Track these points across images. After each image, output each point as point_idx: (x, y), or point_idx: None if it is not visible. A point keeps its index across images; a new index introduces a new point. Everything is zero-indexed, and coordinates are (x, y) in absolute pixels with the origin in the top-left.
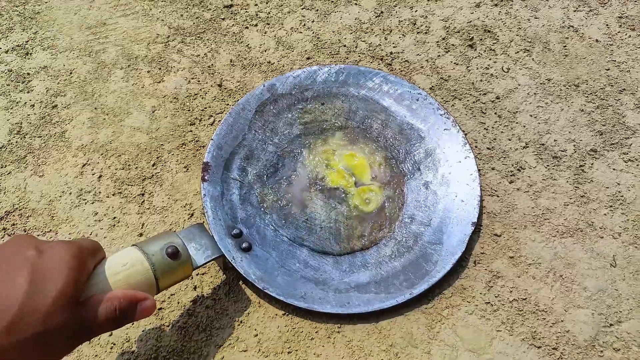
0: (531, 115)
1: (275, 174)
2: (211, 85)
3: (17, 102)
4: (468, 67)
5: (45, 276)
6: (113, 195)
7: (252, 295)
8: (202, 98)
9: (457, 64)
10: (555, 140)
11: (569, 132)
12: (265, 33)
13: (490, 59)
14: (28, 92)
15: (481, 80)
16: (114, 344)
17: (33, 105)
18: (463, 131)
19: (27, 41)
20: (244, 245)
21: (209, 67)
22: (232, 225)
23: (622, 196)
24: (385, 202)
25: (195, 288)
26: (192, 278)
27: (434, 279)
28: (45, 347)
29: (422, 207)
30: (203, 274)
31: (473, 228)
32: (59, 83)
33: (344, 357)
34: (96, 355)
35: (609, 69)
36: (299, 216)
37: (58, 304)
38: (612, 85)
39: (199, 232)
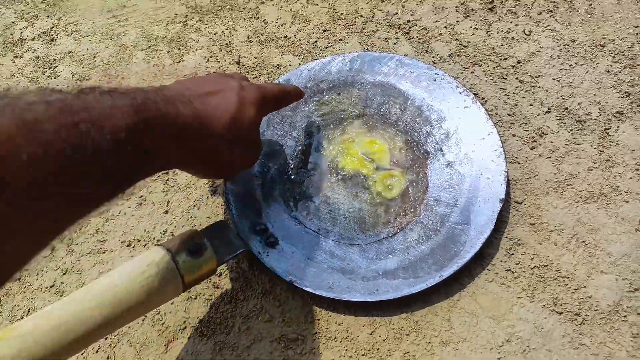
0: (554, 79)
1: (296, 167)
2: (229, 63)
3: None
4: (488, 31)
5: (246, 97)
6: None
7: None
8: None
9: (476, 29)
10: (579, 104)
11: (594, 94)
12: (281, 7)
13: (511, 22)
14: (55, 78)
15: (502, 45)
16: (145, 316)
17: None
18: (483, 98)
19: (52, 27)
20: (269, 240)
21: (226, 44)
22: (257, 221)
23: None
24: (409, 187)
25: None
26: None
27: (464, 259)
28: (249, 144)
29: (447, 188)
30: None
31: (501, 205)
32: (83, 67)
33: (364, 325)
34: (129, 327)
35: (637, 26)
36: (322, 207)
37: (252, 125)
38: None
39: (222, 228)
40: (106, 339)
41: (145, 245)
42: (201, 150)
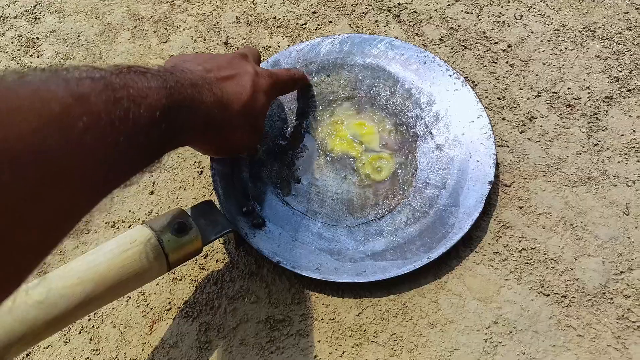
0: (544, 64)
1: (284, 149)
2: (217, 44)
3: (27, 67)
4: (479, 15)
5: (260, 85)
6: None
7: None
8: None
9: (467, 13)
10: (569, 88)
11: (584, 79)
12: None
13: (502, 7)
14: (38, 57)
15: (492, 29)
16: (130, 297)
17: (43, 70)
18: (473, 82)
19: (35, 5)
20: (256, 221)
21: (214, 25)
22: (244, 202)
23: (638, 143)
24: (398, 169)
25: None
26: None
27: (452, 241)
28: (256, 128)
29: (436, 170)
30: None
31: (490, 187)
32: (67, 46)
33: (351, 307)
34: (113, 308)
35: (627, 12)
36: (310, 189)
37: (267, 103)
38: (630, 30)
39: (208, 208)
40: (89, 319)
41: (129, 226)
42: (215, 132)
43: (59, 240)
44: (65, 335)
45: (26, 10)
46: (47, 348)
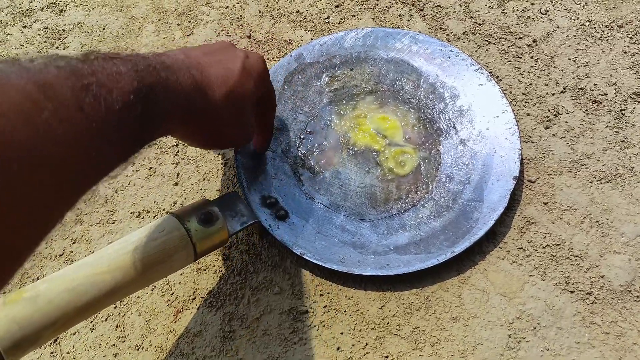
0: (570, 59)
1: (308, 142)
2: (240, 37)
3: None
4: (504, 10)
5: (250, 70)
6: (148, 146)
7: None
8: None
9: (492, 7)
10: (595, 84)
11: (610, 75)
12: None
13: (527, 1)
14: (64, 49)
15: (517, 24)
16: (154, 286)
17: (4, 61)
18: (497, 77)
19: None
20: (279, 213)
21: (237, 18)
22: (267, 195)
23: None
24: (421, 163)
25: None
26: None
27: (476, 236)
28: (236, 120)
29: (460, 165)
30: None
31: (515, 182)
32: (92, 39)
33: (374, 299)
34: (138, 296)
35: None
36: (333, 182)
37: (255, 92)
38: None
39: (233, 199)
40: (115, 307)
41: (154, 216)
42: (197, 121)
43: (38, 235)
44: (92, 322)
45: (52, 3)
46: (74, 334)
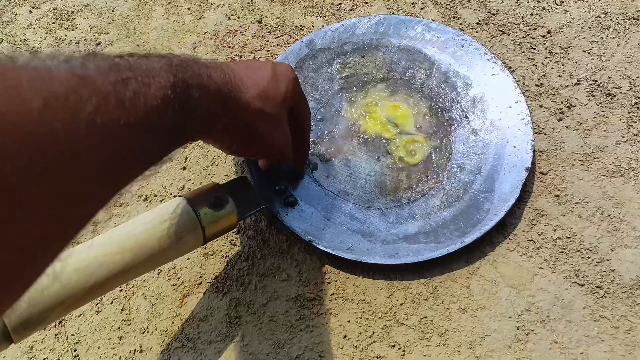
0: (584, 51)
1: (317, 129)
2: (251, 22)
3: (62, 40)
4: (518, 0)
5: (279, 78)
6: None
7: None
8: (242, 35)
9: None
10: (609, 77)
11: (625, 68)
12: None
13: None
14: (73, 30)
15: (532, 14)
16: (161, 270)
17: (78, 43)
18: (511, 68)
19: None
20: (288, 200)
21: (248, 3)
22: (276, 180)
23: None
24: (432, 153)
25: None
26: None
27: (486, 227)
28: (271, 125)
29: (471, 155)
30: None
31: (527, 174)
32: (102, 21)
33: (382, 288)
34: (144, 280)
35: None
36: (342, 170)
37: (287, 97)
38: None
39: (243, 184)
40: (121, 290)
41: (162, 200)
42: (231, 117)
43: (69, 233)
44: (97, 304)
45: None
46: (79, 316)
